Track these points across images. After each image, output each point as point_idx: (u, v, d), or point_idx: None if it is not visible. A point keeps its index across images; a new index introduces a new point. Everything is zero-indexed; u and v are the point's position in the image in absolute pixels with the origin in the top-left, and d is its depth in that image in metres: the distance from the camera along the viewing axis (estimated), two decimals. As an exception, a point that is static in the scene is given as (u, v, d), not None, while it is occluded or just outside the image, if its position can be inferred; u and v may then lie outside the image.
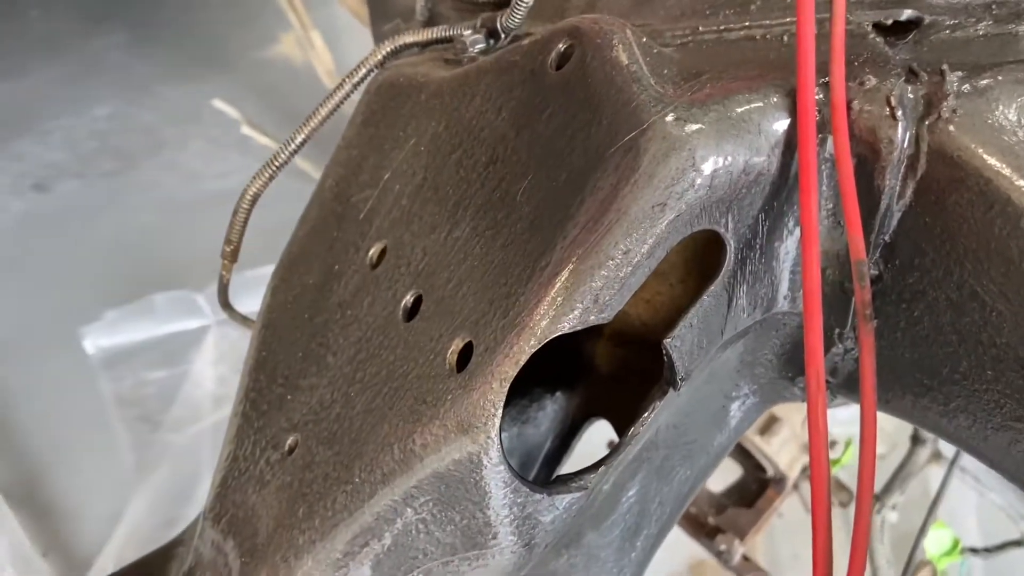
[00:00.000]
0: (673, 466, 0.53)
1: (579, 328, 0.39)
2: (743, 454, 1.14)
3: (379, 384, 0.46)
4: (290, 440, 0.50)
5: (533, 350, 0.39)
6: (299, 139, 0.61)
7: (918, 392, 0.42)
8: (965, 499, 1.36)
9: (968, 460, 1.15)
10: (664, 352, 0.42)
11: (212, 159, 2.26)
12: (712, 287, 0.41)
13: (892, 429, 1.48)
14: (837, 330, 0.43)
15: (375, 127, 0.58)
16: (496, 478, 0.41)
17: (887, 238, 0.39)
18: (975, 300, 0.37)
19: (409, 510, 0.43)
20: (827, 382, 0.47)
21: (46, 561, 1.34)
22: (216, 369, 1.70)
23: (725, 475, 1.22)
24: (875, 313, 0.41)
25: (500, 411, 0.40)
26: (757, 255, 0.41)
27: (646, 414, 0.44)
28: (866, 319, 0.37)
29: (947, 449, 1.10)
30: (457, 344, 0.43)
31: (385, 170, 0.55)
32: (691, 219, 0.38)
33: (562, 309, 0.38)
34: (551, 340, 0.39)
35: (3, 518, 1.34)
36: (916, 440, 1.11)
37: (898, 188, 0.38)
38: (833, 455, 1.11)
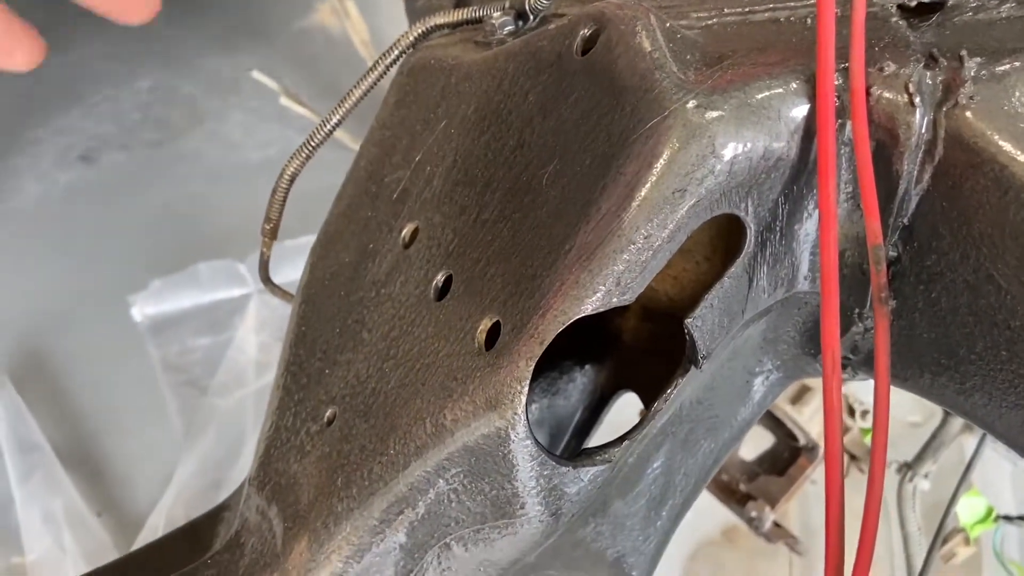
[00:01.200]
0: (697, 439, 0.55)
1: (602, 309, 0.40)
2: (775, 423, 1.15)
3: (412, 360, 0.48)
4: (328, 412, 0.53)
5: (558, 330, 0.41)
6: (335, 120, 0.63)
7: (935, 371, 0.42)
8: (999, 468, 1.35)
9: (1003, 430, 1.14)
10: (686, 332, 0.43)
11: (252, 130, 2.28)
12: (732, 269, 0.42)
13: (929, 397, 1.47)
14: (857, 310, 0.44)
15: (407, 108, 0.59)
16: (523, 452, 0.43)
17: (905, 221, 0.40)
18: (991, 283, 0.37)
19: (441, 481, 0.45)
20: (847, 360, 0.48)
21: (100, 521, 1.40)
22: (258, 336, 1.73)
23: (757, 443, 1.23)
24: (894, 294, 0.42)
25: (526, 388, 0.42)
26: (777, 237, 0.42)
27: (668, 391, 0.45)
28: (882, 302, 0.38)
29: (981, 419, 1.10)
30: (485, 324, 0.44)
31: (417, 151, 0.56)
32: (711, 204, 0.39)
33: (585, 291, 0.40)
34: (577, 319, 0.41)
35: (58, 481, 1.40)
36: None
37: (916, 173, 0.39)
38: (866, 424, 1.12)
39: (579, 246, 0.40)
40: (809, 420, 1.10)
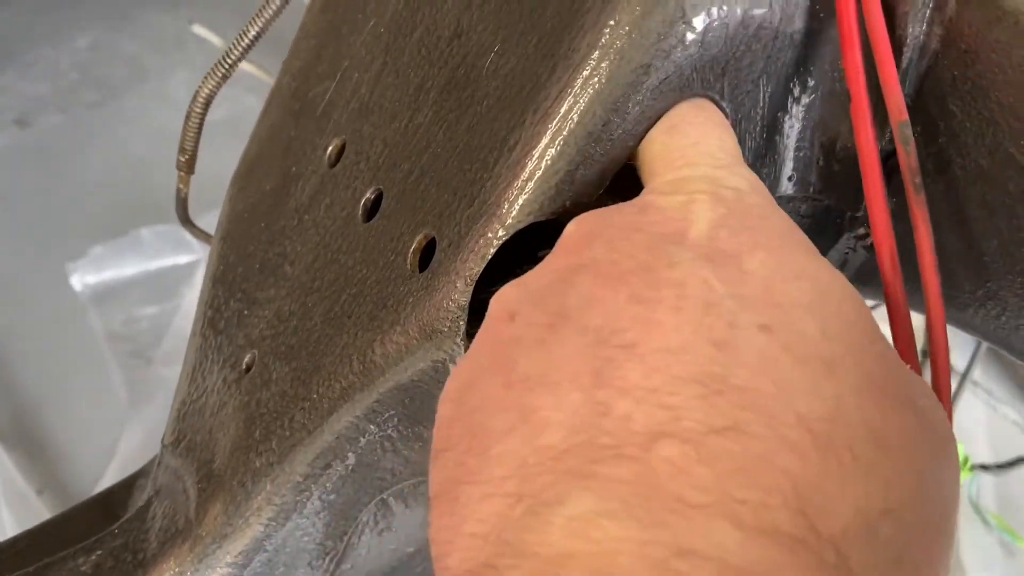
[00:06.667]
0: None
1: (553, 216, 0.34)
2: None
3: (337, 292, 0.42)
4: (247, 357, 0.46)
5: (501, 241, 0.34)
6: (252, 32, 0.56)
7: (942, 284, 0.37)
8: (975, 415, 1.32)
9: (980, 373, 1.11)
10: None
11: (197, 89, 2.17)
12: (706, 166, 0.35)
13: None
14: (849, 214, 0.38)
15: (333, 11, 0.52)
16: (465, 388, 0.36)
17: (909, 101, 0.34)
18: (1010, 165, 0.32)
19: (372, 427, 0.39)
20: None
21: (41, 499, 1.33)
22: (208, 303, 1.65)
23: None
24: (892, 192, 0.36)
25: (466, 313, 0.35)
26: (758, 129, 0.36)
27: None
28: (916, 188, 0.31)
29: (959, 362, 1.06)
30: (419, 241, 0.38)
31: (344, 58, 0.49)
32: (681, 83, 0.33)
33: (533, 193, 0.34)
34: (528, 232, 0.34)
35: (-4, 458, 1.32)
36: (927, 354, 1.07)
37: (922, 38, 0.32)
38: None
39: (525, 140, 0.34)
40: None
